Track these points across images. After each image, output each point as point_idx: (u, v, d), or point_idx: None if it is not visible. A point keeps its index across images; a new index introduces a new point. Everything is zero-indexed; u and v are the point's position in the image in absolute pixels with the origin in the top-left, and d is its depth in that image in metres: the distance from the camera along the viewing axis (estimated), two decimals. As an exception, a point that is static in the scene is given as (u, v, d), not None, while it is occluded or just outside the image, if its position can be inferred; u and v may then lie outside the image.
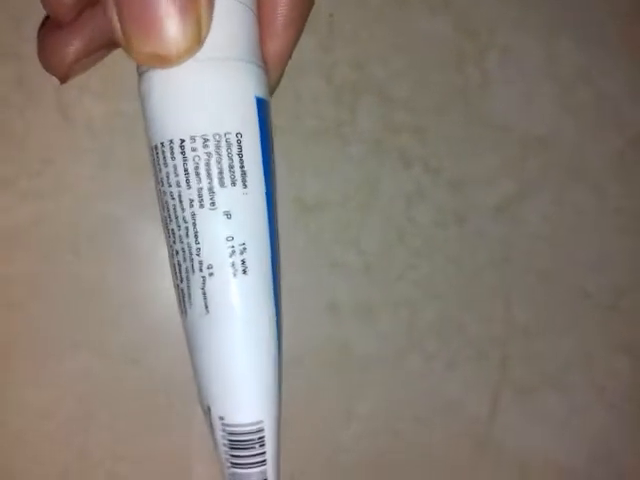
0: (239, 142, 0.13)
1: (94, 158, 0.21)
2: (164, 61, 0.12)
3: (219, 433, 0.14)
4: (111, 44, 0.16)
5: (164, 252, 0.21)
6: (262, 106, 0.14)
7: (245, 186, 0.13)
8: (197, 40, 0.12)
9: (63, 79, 0.16)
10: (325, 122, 0.22)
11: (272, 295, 0.14)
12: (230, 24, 0.13)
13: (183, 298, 0.14)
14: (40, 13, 0.19)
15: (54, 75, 0.16)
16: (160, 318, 0.22)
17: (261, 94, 0.14)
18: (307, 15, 0.16)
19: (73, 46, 0.16)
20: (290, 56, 0.17)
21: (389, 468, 0.23)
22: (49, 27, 0.16)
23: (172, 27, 0.12)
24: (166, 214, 0.14)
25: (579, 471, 0.24)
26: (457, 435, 0.23)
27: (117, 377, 0.22)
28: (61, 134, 0.21)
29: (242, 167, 0.13)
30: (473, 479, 0.24)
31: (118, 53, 0.17)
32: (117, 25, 0.12)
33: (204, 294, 0.13)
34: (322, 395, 0.23)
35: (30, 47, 0.20)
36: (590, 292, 0.23)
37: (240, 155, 0.13)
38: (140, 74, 0.14)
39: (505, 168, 0.23)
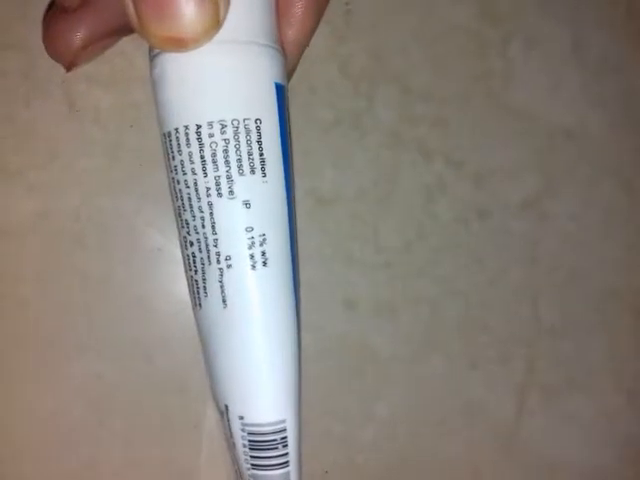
0: (258, 128, 0.13)
1: (101, 150, 0.21)
2: (181, 44, 0.12)
3: (238, 433, 0.14)
4: (119, 31, 0.16)
5: (173, 246, 0.21)
6: (281, 92, 0.13)
7: (264, 174, 0.13)
8: (215, 22, 0.12)
9: (69, 67, 0.16)
10: (341, 113, 0.21)
11: (292, 289, 0.14)
12: (249, 7, 0.13)
13: (197, 290, 0.14)
14: (46, 4, 0.19)
15: (60, 62, 0.16)
16: (170, 315, 0.21)
17: (280, 80, 0.13)
18: (327, 2, 0.16)
19: (80, 32, 0.15)
20: (308, 43, 0.16)
21: (410, 471, 0.23)
22: (55, 13, 0.16)
23: (189, 9, 0.11)
24: (180, 203, 0.13)
25: (606, 475, 0.23)
26: (481, 438, 0.22)
27: (126, 377, 0.21)
28: (68, 126, 0.21)
29: (261, 155, 0.13)
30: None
31: (125, 43, 0.17)
32: (131, 8, 0.12)
33: (221, 287, 0.13)
34: (340, 394, 0.22)
35: (36, 38, 0.20)
36: (620, 292, 0.23)
37: (259, 142, 0.13)
38: (152, 58, 0.13)
39: (530, 161, 0.22)
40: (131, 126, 0.21)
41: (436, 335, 0.22)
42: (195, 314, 0.14)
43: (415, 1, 0.22)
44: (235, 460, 0.14)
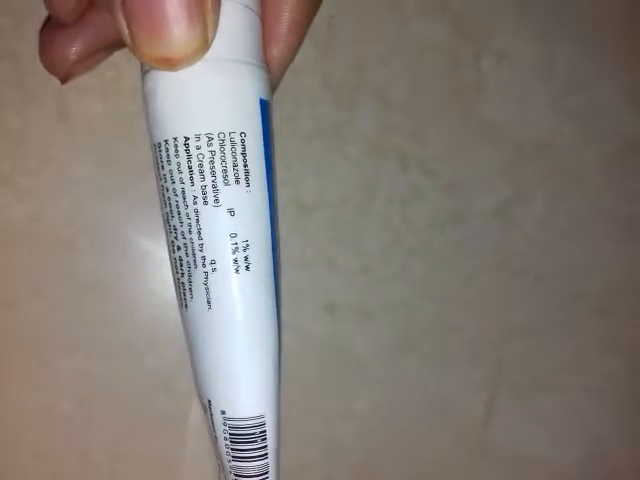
0: (243, 141, 0.13)
1: (92, 158, 0.22)
2: (171, 63, 0.12)
3: (220, 427, 0.14)
4: (113, 45, 0.16)
5: (162, 250, 0.22)
6: (265, 107, 0.14)
7: (248, 184, 0.14)
8: (204, 43, 0.12)
9: (64, 79, 0.16)
10: (323, 124, 0.22)
11: (273, 292, 0.14)
12: (235, 27, 0.13)
13: (184, 292, 0.14)
14: (40, 13, 0.19)
15: (55, 75, 0.16)
16: (157, 316, 0.22)
17: (264, 96, 0.14)
18: (311, 20, 0.16)
19: (75, 47, 0.16)
20: (292, 60, 0.17)
21: (385, 467, 0.23)
22: (51, 28, 0.16)
23: (179, 30, 0.12)
24: (168, 210, 0.14)
25: (573, 471, 0.24)
26: (452, 435, 0.23)
27: (115, 376, 0.22)
28: (60, 133, 0.21)
29: (245, 166, 0.13)
30: (467, 479, 0.24)
31: (116, 55, 0.18)
32: (125, 29, 0.12)
33: (207, 289, 0.14)
34: (320, 394, 0.23)
35: (30, 47, 0.20)
36: (583, 294, 0.24)
37: (244, 154, 0.13)
38: (144, 73, 0.14)
39: (501, 171, 0.23)
40: (121, 135, 0.21)
41: (411, 337, 0.23)
42: (181, 314, 0.15)
43: (394, 17, 0.23)
44: (217, 452, 0.15)
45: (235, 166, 0.13)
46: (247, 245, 0.14)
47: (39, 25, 0.18)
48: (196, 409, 0.22)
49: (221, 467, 0.16)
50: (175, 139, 0.13)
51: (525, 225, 0.23)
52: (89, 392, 0.22)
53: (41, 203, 0.21)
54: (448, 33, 0.23)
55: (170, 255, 0.15)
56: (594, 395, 0.24)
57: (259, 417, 0.14)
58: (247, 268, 0.14)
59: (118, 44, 0.16)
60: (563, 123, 0.23)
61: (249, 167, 0.14)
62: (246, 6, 0.14)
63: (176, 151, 0.13)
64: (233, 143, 0.13)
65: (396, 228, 0.23)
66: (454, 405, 0.23)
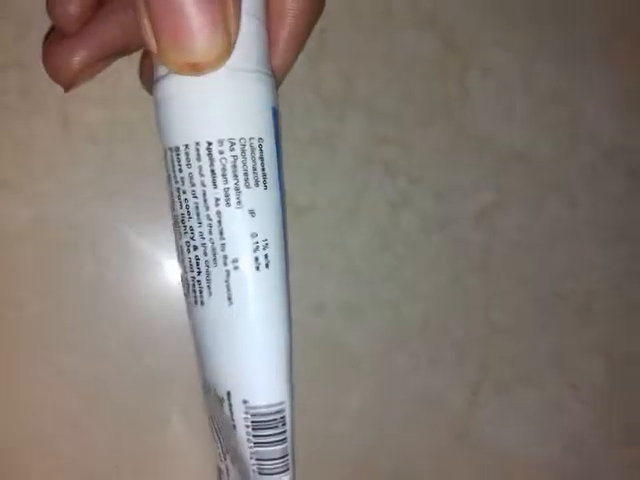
0: (260, 146, 0.14)
1: (94, 164, 0.22)
2: (197, 68, 0.13)
3: (241, 415, 0.15)
4: (115, 54, 0.17)
5: (162, 253, 0.23)
6: (276, 115, 0.15)
7: (266, 187, 0.14)
8: (228, 47, 0.13)
9: (68, 87, 0.17)
10: (316, 133, 0.23)
11: (286, 287, 0.15)
12: (249, 36, 0.14)
13: (200, 290, 0.15)
14: (43, 22, 0.20)
15: (59, 83, 0.17)
16: (158, 316, 0.23)
17: (275, 104, 0.15)
18: (310, 32, 0.17)
19: (79, 55, 0.16)
20: (290, 70, 0.17)
21: (376, 459, 0.24)
22: (55, 37, 0.17)
23: (204, 36, 0.12)
24: (184, 211, 0.14)
25: (553, 465, 0.25)
26: (438, 429, 0.24)
27: (117, 375, 0.23)
28: (63, 141, 0.22)
29: (263, 169, 0.14)
30: (453, 470, 0.25)
31: (118, 63, 0.18)
32: (149, 36, 0.13)
33: (228, 286, 0.14)
34: (312, 390, 0.24)
35: (34, 56, 0.21)
36: (564, 296, 0.25)
37: (261, 158, 0.14)
38: (159, 78, 0.14)
39: (484, 179, 0.24)
40: (122, 141, 0.22)
41: (399, 336, 0.24)
42: (193, 312, 0.15)
43: (383, 30, 0.23)
44: (230, 441, 0.16)
45: (255, 170, 0.14)
46: (266, 244, 0.14)
47: (43, 35, 0.18)
48: (196, 407, 0.23)
49: (222, 457, 0.17)
50: (197, 143, 0.14)
51: (508, 229, 0.24)
52: (91, 391, 0.23)
53: (45, 207, 0.22)
54: (435, 46, 0.24)
55: (183, 255, 0.15)
56: (575, 392, 0.25)
57: (280, 404, 0.15)
58: (267, 266, 0.14)
59: (120, 52, 0.17)
60: (543, 133, 0.24)
61: (266, 170, 0.14)
62: (257, 18, 0.14)
63: (198, 155, 0.14)
64: (253, 148, 0.14)
65: (384, 232, 0.24)
66: (440, 400, 0.24)
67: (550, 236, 0.24)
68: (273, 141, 0.15)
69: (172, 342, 0.22)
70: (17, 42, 0.22)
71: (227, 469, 0.17)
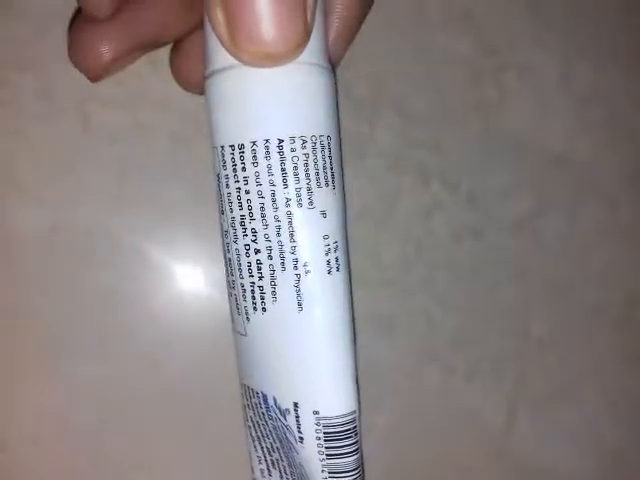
0: (329, 145, 0.14)
1: (113, 167, 0.22)
2: (273, 59, 0.12)
3: (311, 427, 0.14)
4: (149, 45, 0.16)
5: (179, 262, 0.22)
6: (338, 113, 0.14)
7: (334, 187, 0.14)
8: (305, 37, 0.12)
9: (95, 78, 0.16)
10: (345, 136, 0.22)
11: (351, 290, 0.15)
12: (317, 32, 0.13)
13: (261, 296, 0.14)
14: (63, 23, 0.19)
15: (85, 73, 0.16)
16: (175, 325, 0.22)
17: (336, 101, 0.14)
18: (360, 27, 0.16)
19: (112, 44, 0.15)
20: (338, 64, 0.17)
21: (407, 478, 0.23)
22: (82, 23, 0.15)
23: (281, 25, 0.12)
24: (245, 213, 0.13)
25: (591, 483, 0.24)
26: (474, 446, 0.23)
27: (133, 382, 0.22)
28: (82, 144, 0.21)
29: (332, 169, 0.14)
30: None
31: (140, 65, 0.18)
32: (223, 27, 0.12)
33: (298, 291, 0.13)
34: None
35: (52, 57, 0.20)
36: (604, 306, 0.24)
37: (330, 157, 0.14)
38: (215, 72, 0.13)
39: (521, 183, 0.23)
40: (143, 145, 0.22)
41: (432, 348, 0.23)
42: (249, 320, 0.14)
43: (415, 30, 0.23)
44: (291, 455, 0.15)
45: (325, 169, 0.13)
46: (337, 246, 0.14)
47: (61, 35, 0.18)
48: (214, 419, 0.22)
49: (272, 476, 0.16)
50: (266, 140, 0.13)
51: (546, 237, 0.23)
52: (106, 399, 0.22)
53: (61, 212, 0.22)
54: (470, 46, 0.23)
55: (239, 259, 0.14)
56: (613, 407, 0.24)
57: (352, 413, 0.14)
58: (337, 269, 0.14)
59: (152, 45, 0.16)
60: (582, 135, 0.23)
61: (334, 170, 0.14)
62: (320, 11, 0.13)
63: (267, 152, 0.13)
64: (323, 146, 0.13)
65: (417, 240, 0.23)
66: (475, 415, 0.23)
67: (590, 243, 0.24)
68: (338, 139, 0.14)
69: (190, 350, 0.22)
70: (35, 42, 0.21)
71: None
